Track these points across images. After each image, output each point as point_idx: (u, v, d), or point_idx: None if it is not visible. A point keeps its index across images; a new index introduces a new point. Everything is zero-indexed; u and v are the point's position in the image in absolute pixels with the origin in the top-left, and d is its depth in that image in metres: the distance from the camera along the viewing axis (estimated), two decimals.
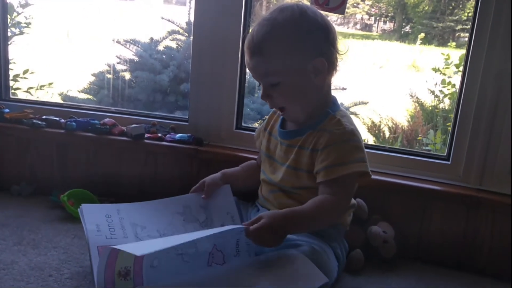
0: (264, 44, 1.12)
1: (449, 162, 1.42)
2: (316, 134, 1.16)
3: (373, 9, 3.04)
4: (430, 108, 2.41)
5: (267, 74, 1.15)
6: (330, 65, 1.15)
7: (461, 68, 1.42)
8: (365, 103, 2.23)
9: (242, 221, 1.26)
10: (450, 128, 1.47)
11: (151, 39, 2.30)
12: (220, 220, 1.25)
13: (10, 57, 1.83)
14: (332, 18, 1.83)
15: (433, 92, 2.37)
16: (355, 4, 2.96)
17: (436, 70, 2.34)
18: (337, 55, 1.17)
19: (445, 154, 1.45)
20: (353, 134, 1.14)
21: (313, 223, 1.11)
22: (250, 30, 1.18)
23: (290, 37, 1.12)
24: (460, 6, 2.67)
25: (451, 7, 2.70)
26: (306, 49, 1.13)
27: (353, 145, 1.13)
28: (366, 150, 1.46)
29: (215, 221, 1.25)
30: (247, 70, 1.63)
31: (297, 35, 1.12)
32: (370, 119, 2.40)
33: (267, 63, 1.14)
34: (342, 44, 1.19)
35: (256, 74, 1.18)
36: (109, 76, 2.31)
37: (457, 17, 2.62)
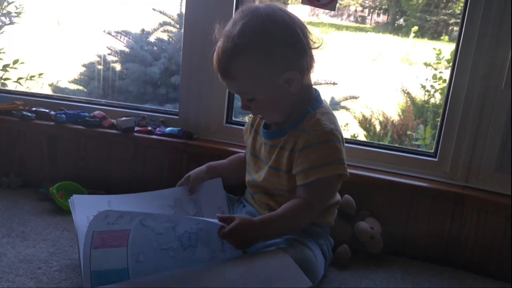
0: (231, 67, 1.08)
1: (436, 159, 1.43)
2: (296, 134, 1.14)
3: (367, 1, 3.03)
4: (421, 102, 2.41)
5: (240, 93, 1.15)
6: (302, 71, 1.11)
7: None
8: (356, 98, 2.23)
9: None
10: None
11: (143, 30, 2.28)
12: (210, 214, 1.23)
13: (0, 47, 1.81)
14: (325, 10, 1.80)
15: (424, 87, 2.37)
16: None
17: (427, 64, 2.34)
18: (311, 53, 1.13)
19: (432, 150, 1.46)
20: (332, 134, 1.11)
21: (286, 230, 1.11)
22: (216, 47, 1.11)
23: (256, 55, 1.07)
24: None
25: (445, 1, 2.69)
26: (275, 64, 1.08)
27: (331, 146, 1.10)
28: (354, 146, 1.49)
29: (206, 215, 1.24)
30: None
31: (264, 52, 1.07)
32: (361, 113, 2.40)
33: (238, 84, 1.12)
34: (315, 37, 1.13)
35: (230, 91, 1.17)
36: (100, 67, 2.30)
37: (450, 10, 2.62)
